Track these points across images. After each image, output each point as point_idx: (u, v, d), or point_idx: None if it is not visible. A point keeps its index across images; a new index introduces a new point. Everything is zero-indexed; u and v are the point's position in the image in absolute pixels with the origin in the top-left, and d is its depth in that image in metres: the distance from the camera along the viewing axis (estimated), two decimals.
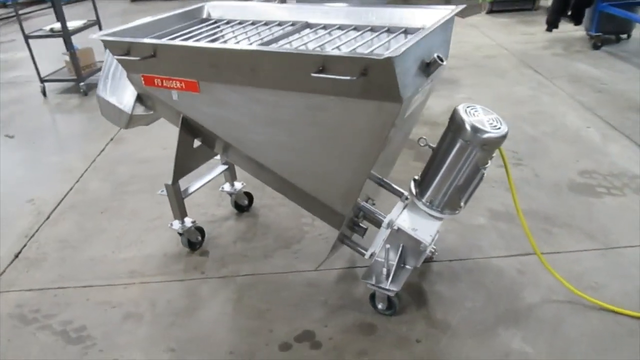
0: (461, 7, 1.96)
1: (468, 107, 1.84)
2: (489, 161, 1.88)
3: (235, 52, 1.75)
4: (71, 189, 3.21)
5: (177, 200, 2.37)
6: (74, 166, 3.50)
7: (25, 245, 2.66)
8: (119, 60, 2.03)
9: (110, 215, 2.88)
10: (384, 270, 1.96)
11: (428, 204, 1.96)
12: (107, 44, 2.00)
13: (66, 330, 2.09)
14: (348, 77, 1.49)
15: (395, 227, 1.93)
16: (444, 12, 1.93)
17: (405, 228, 1.92)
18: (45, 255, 2.57)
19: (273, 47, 1.83)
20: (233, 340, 1.99)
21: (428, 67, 1.71)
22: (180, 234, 2.48)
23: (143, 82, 2.07)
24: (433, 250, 2.07)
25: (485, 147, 1.78)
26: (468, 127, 1.77)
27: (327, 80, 1.56)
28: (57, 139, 4.09)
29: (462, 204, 1.95)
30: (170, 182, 2.30)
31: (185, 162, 2.29)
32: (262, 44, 1.97)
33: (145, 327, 2.09)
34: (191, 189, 2.48)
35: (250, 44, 2.17)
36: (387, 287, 1.93)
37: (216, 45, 1.94)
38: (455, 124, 1.81)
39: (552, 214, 2.64)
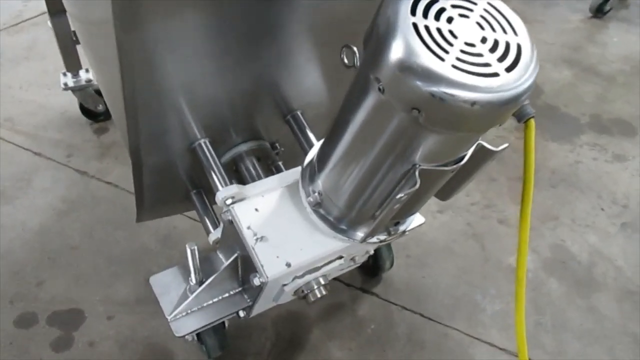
0: None
1: None
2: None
3: None
4: None
5: (60, 40, 1.58)
6: None
7: None
8: None
9: None
10: (191, 282, 0.98)
11: (314, 200, 0.87)
12: None
13: None
14: None
15: (228, 216, 0.91)
16: None
17: (242, 226, 0.88)
18: None
19: None
20: None
21: None
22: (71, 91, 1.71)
23: None
24: (314, 288, 0.99)
25: (418, 115, 0.60)
26: (392, 52, 0.58)
27: None
28: None
29: (380, 223, 0.83)
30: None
31: None
32: None
33: None
34: None
35: None
36: (167, 316, 0.97)
37: None
38: (375, 31, 0.63)
39: None
